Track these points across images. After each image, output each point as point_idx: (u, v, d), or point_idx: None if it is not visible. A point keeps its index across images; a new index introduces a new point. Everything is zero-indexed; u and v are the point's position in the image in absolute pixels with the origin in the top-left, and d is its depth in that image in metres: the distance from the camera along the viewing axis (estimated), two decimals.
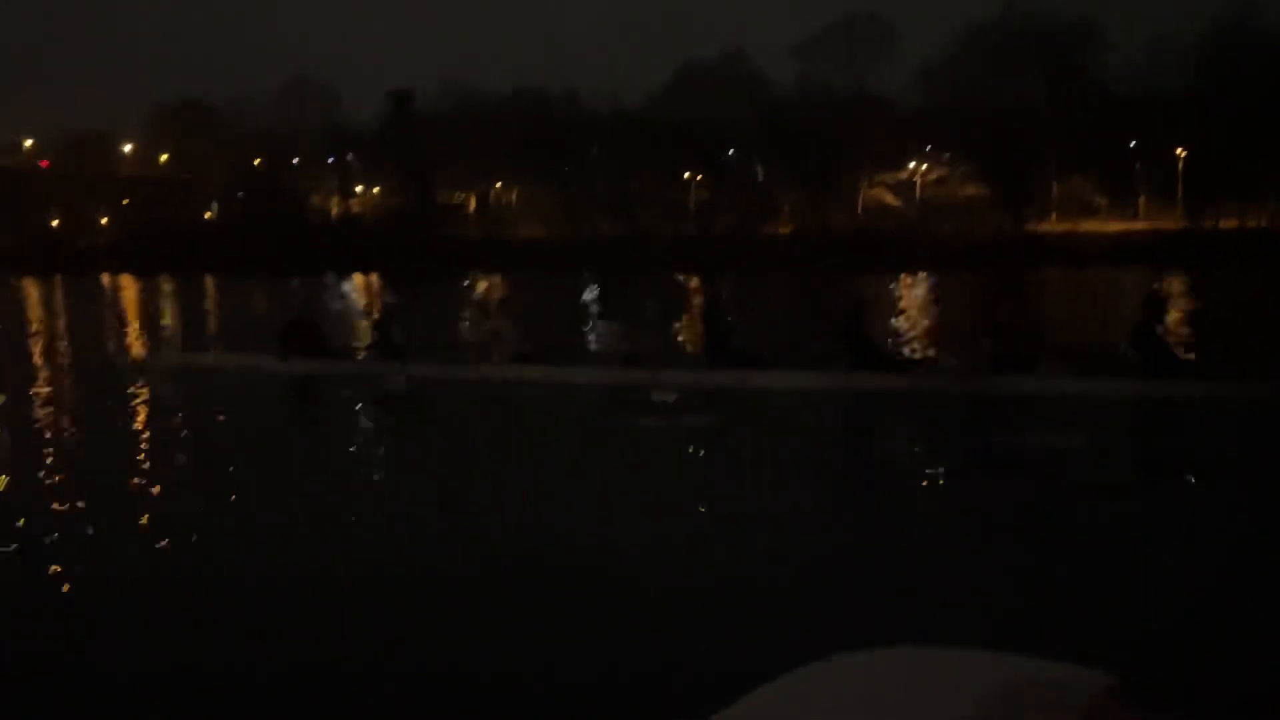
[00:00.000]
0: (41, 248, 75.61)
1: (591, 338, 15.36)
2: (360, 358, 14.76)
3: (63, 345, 23.20)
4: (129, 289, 49.75)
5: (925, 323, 22.97)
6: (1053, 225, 62.26)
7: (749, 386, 12.20)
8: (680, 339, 17.57)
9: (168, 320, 30.63)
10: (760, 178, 68.09)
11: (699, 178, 70.06)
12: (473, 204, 77.66)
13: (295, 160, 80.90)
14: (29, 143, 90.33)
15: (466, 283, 43.46)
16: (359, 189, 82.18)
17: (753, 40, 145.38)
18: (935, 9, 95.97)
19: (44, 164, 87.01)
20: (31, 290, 49.79)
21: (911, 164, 69.68)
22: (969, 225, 59.07)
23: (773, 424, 10.96)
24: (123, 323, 28.98)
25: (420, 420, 12.08)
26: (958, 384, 11.70)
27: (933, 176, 70.14)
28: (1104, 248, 53.31)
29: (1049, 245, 55.32)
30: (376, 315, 15.89)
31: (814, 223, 63.49)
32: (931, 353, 14.73)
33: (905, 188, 70.32)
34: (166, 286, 49.14)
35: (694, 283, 40.81)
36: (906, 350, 14.46)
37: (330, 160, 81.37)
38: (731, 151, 69.09)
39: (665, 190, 68.71)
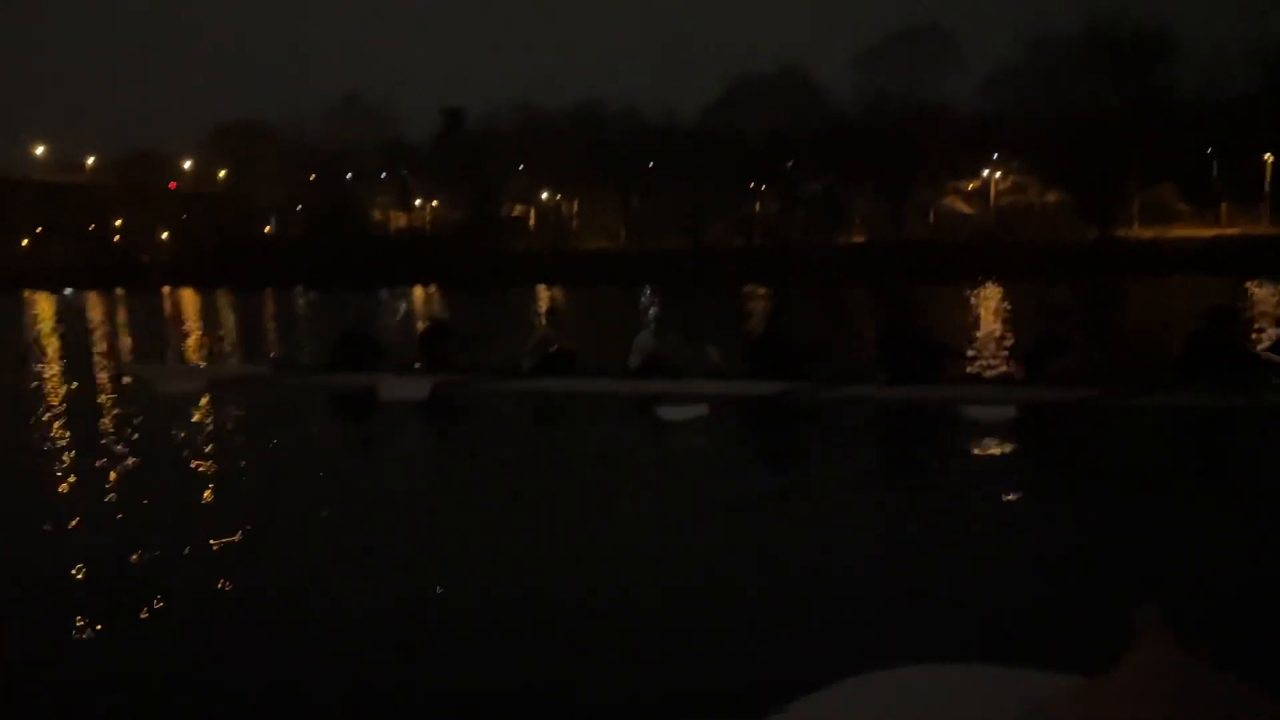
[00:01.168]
0: (107, 262, 76.53)
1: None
2: (413, 368, 14.05)
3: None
4: (190, 302, 49.38)
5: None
6: (1136, 232, 60.47)
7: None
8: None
9: (230, 332, 29.95)
10: (826, 188, 66.60)
11: (763, 189, 69.01)
12: (533, 217, 77.30)
13: (350, 175, 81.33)
14: (91, 159, 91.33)
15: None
16: (418, 203, 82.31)
17: (794, 53, 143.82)
18: (991, 18, 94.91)
19: (97, 180, 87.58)
20: (97, 305, 49.67)
21: (985, 172, 67.92)
22: (1050, 233, 57.69)
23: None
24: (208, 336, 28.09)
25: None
26: None
27: (1007, 184, 68.28)
28: (1190, 255, 51.37)
29: (1137, 252, 53.69)
30: (424, 327, 15.25)
31: (888, 233, 62.14)
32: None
33: (978, 196, 68.55)
34: (226, 299, 48.73)
35: (760, 294, 39.71)
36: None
37: (383, 176, 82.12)
38: (790, 163, 68.09)
39: (729, 202, 68.01)
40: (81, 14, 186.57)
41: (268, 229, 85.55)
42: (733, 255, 59.44)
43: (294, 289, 54.69)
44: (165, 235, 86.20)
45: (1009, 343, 17.99)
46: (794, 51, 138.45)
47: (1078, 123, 58.68)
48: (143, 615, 5.51)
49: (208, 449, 10.16)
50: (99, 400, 14.35)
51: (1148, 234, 59.45)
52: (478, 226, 72.20)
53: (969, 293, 36.31)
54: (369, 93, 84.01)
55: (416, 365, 13.87)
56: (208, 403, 13.22)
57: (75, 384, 16.12)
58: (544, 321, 14.27)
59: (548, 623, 5.23)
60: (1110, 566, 5.93)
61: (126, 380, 15.85)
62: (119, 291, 60.19)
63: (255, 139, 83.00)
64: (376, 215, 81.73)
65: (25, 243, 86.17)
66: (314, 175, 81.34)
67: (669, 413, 10.77)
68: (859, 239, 64.04)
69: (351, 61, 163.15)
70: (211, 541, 6.72)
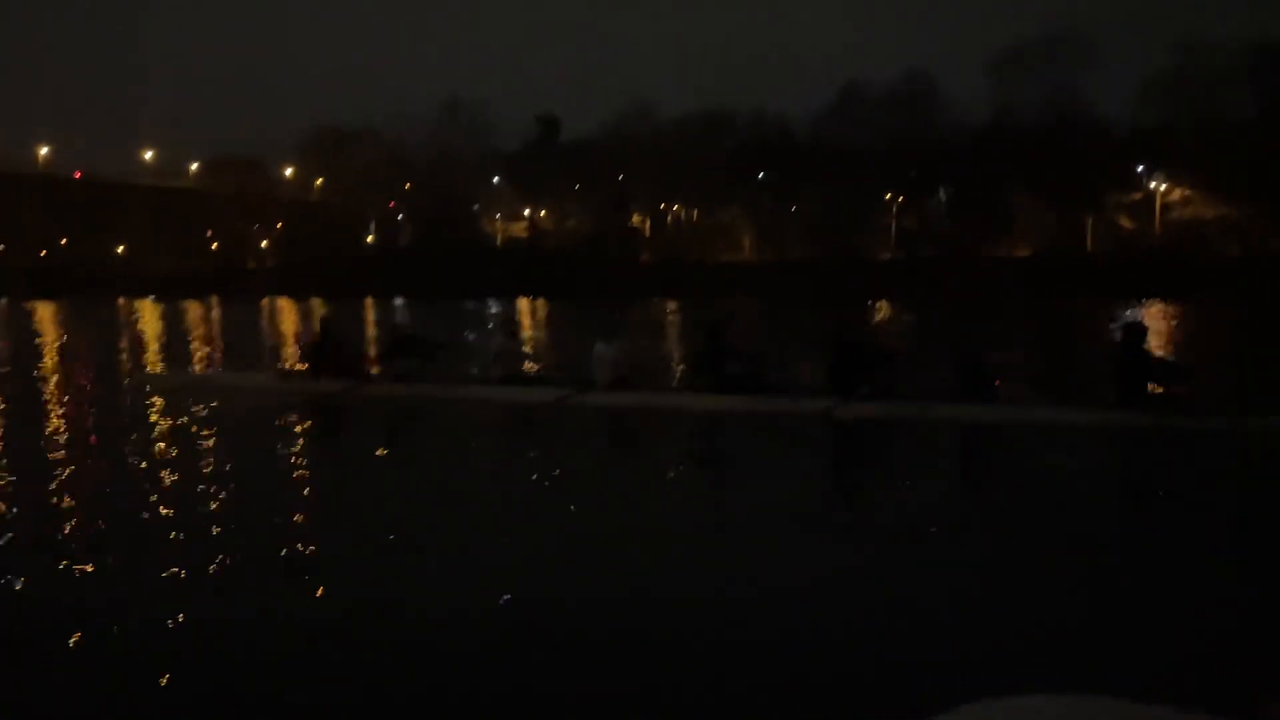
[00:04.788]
0: (211, 269, 75.75)
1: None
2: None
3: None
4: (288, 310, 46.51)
5: None
6: None
7: None
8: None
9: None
10: (984, 197, 61.49)
11: (900, 199, 64.55)
12: (648, 227, 73.88)
13: (452, 184, 78.52)
14: (194, 166, 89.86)
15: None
16: (526, 212, 79.65)
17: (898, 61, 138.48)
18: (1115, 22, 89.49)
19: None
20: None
21: (1152, 184, 62.36)
22: (1230, 247, 52.61)
23: None
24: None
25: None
26: None
27: (1175, 196, 62.46)
28: None
29: None
30: (388, 339, 15.26)
31: (1055, 244, 57.40)
32: None
33: (1140, 208, 62.91)
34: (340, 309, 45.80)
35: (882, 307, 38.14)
36: None
37: (487, 183, 79.71)
38: (922, 172, 63.49)
39: (866, 212, 64.19)
40: (186, 20, 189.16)
41: (370, 238, 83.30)
42: (877, 266, 55.39)
43: (393, 299, 53.56)
44: (264, 243, 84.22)
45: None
46: (897, 60, 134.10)
47: (1245, 132, 54.90)
48: None
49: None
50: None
51: None
52: (597, 237, 69.48)
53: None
54: (466, 100, 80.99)
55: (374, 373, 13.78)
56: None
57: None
58: (504, 334, 14.65)
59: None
60: None
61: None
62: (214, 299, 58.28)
63: (353, 146, 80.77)
64: (486, 225, 79.53)
65: (122, 249, 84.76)
66: (409, 184, 79.59)
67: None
68: (1021, 252, 59.02)
69: (446, 69, 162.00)
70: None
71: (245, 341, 26.11)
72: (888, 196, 65.96)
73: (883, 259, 61.55)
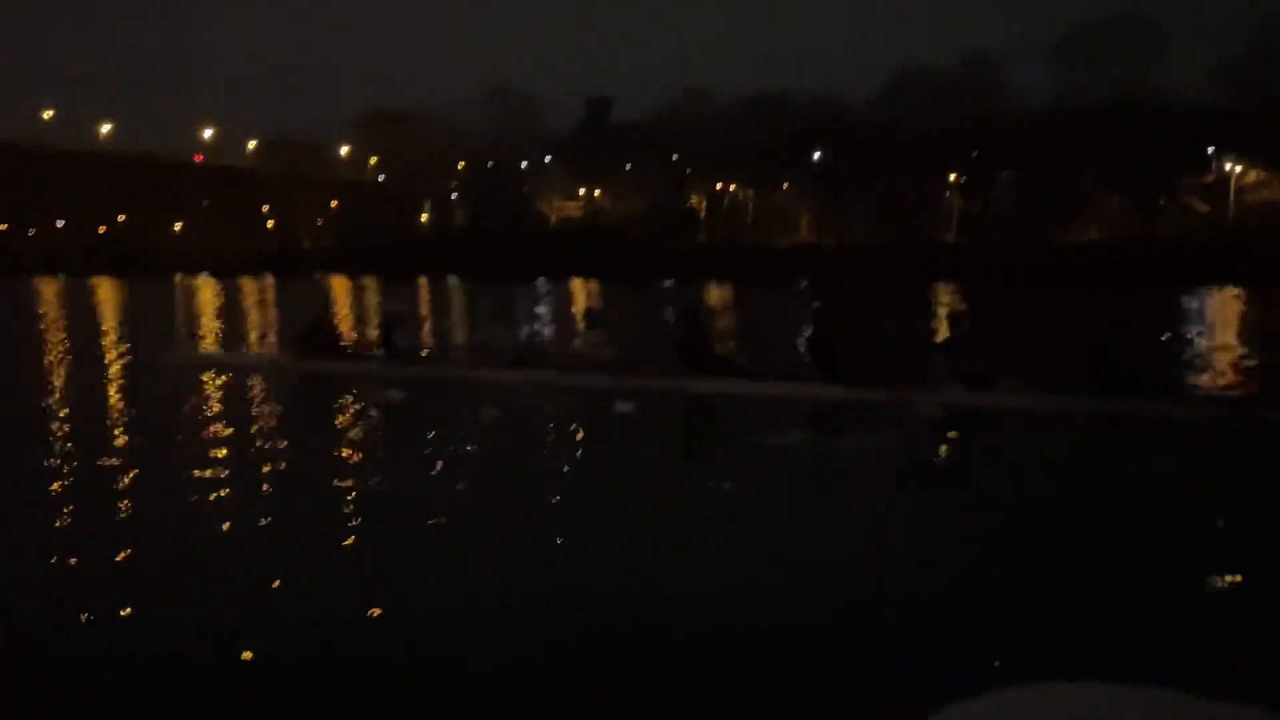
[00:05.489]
0: (269, 248, 76.11)
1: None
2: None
3: None
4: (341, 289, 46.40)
5: None
6: None
7: None
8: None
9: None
10: (1052, 181, 59.88)
11: (962, 182, 63.11)
12: (704, 208, 73.05)
13: (505, 164, 78.36)
14: (252, 144, 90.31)
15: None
16: (581, 192, 79.03)
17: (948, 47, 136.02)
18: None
19: (198, 158, 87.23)
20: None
21: (1226, 166, 60.32)
22: None
23: None
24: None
25: None
26: None
27: (1250, 178, 60.34)
28: None
29: None
30: (381, 319, 16.23)
31: (1124, 230, 55.62)
32: None
33: (1213, 191, 60.90)
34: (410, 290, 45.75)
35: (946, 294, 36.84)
36: None
37: (539, 163, 79.08)
38: (984, 154, 62.05)
39: (926, 195, 62.83)
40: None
41: (424, 217, 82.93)
42: (932, 250, 54.20)
43: (447, 279, 53.47)
44: (320, 222, 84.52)
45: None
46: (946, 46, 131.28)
47: None
48: None
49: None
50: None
51: None
52: (653, 217, 68.50)
53: None
54: (517, 83, 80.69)
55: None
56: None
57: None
58: (497, 323, 14.51)
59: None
60: None
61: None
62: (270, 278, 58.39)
63: (407, 127, 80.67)
64: (540, 206, 78.96)
65: (179, 227, 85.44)
66: (463, 164, 79.35)
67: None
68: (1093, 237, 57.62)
69: (498, 53, 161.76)
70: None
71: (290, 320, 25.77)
72: (952, 179, 64.47)
73: (945, 242, 60.07)
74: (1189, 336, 20.28)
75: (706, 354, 12.09)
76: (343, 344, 14.89)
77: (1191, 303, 30.72)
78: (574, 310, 27.50)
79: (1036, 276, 45.16)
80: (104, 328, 24.04)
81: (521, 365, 12.75)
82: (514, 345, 13.71)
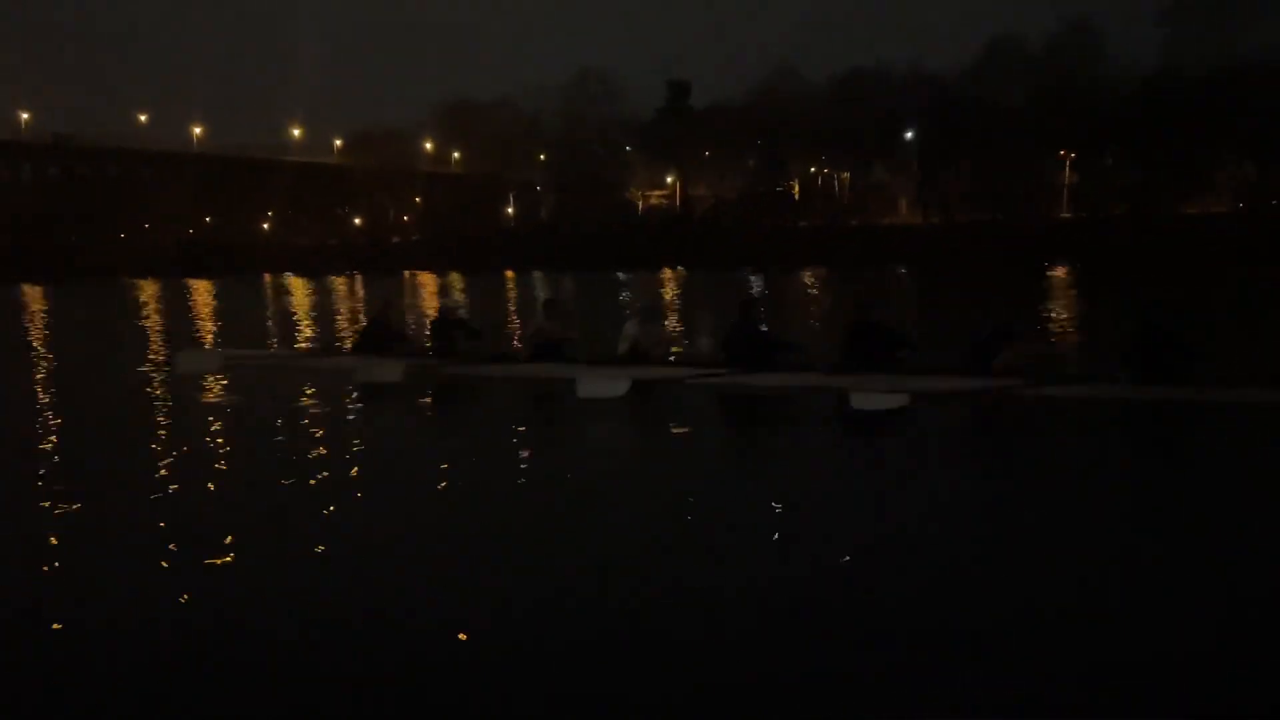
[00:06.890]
0: (357, 245, 75.95)
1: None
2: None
3: None
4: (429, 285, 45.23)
5: None
6: None
7: None
8: None
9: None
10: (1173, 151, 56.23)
11: (1071, 156, 59.74)
12: (797, 191, 70.62)
13: (589, 153, 76.78)
14: (339, 141, 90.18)
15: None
16: (670, 179, 77.39)
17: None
18: None
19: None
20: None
21: None
22: None
23: None
24: None
25: None
26: None
27: None
28: None
29: None
30: (434, 317, 15.16)
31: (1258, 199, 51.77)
32: None
33: None
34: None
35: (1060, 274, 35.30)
36: None
37: (612, 151, 77.63)
38: (1085, 126, 58.76)
39: (1030, 170, 59.82)
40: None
41: (509, 209, 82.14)
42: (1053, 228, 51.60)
43: (532, 272, 52.52)
44: (405, 218, 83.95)
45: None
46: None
47: None
48: None
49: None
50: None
51: None
52: (746, 201, 66.79)
53: None
54: (597, 68, 78.86)
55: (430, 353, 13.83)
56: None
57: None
58: (542, 312, 14.03)
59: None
60: None
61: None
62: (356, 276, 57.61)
63: (489, 116, 79.57)
64: (626, 194, 77.67)
65: (266, 225, 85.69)
66: (544, 155, 78.25)
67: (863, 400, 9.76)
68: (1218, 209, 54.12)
69: (578, 38, 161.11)
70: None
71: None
72: (1059, 154, 61.19)
73: (1059, 219, 57.01)
74: None
75: (759, 345, 11.77)
76: (405, 339, 14.72)
77: None
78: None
79: (1166, 252, 41.93)
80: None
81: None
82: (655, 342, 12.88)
